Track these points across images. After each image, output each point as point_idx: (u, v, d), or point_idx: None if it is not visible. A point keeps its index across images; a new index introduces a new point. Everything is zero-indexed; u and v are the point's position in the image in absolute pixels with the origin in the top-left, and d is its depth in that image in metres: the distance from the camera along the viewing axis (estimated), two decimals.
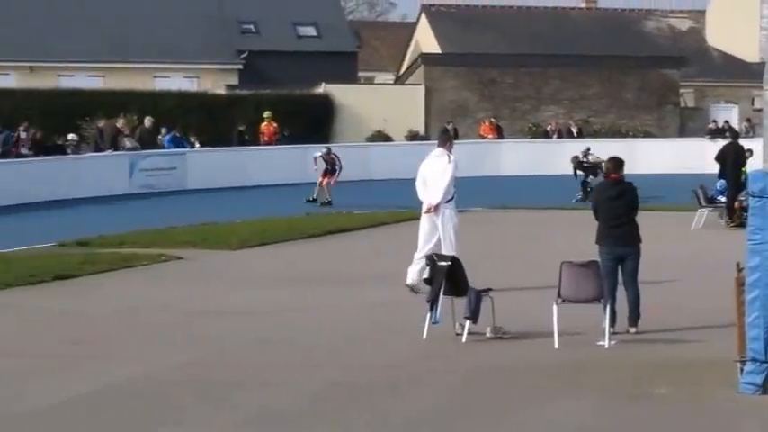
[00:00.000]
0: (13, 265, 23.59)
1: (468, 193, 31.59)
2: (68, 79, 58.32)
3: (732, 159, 33.27)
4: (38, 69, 59.54)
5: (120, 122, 45.98)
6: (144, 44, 61.01)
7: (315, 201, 34.46)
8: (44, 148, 45.63)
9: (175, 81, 59.75)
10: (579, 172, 45.11)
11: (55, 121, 47.21)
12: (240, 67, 63.65)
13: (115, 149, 43.63)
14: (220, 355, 16.35)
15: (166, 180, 43.85)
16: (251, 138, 49.96)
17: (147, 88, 55.69)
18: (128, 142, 44.61)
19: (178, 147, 47.73)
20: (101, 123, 46.06)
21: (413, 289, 20.29)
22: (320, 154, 35.07)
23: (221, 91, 58.99)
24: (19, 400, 13.38)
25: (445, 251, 19.90)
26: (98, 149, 44.42)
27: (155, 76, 59.83)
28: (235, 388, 13.89)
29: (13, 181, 39.58)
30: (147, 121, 46.82)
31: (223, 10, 65.12)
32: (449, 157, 20.39)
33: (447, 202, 20.28)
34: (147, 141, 45.71)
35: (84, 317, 19.34)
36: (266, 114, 49.69)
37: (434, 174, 20.17)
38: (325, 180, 33.44)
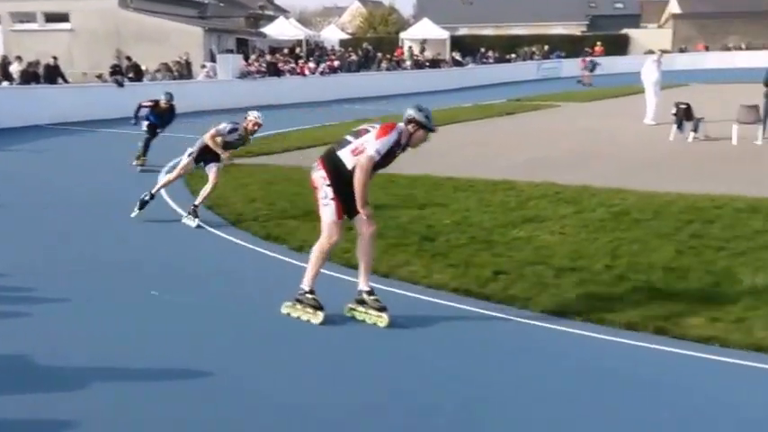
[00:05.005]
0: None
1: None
2: None
3: None
4: None
5: None
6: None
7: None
8: None
9: (558, 29, 59.60)
10: None
11: None
12: (587, 23, 64.13)
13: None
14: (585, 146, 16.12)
15: None
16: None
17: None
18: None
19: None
20: None
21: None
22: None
23: (578, 33, 59.64)
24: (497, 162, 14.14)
25: None
26: None
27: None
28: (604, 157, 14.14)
29: None
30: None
31: None
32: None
33: None
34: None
35: (518, 130, 19.84)
36: (599, 43, 49.04)
37: None
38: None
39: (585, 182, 11.33)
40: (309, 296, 5.97)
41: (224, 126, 9.51)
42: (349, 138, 5.84)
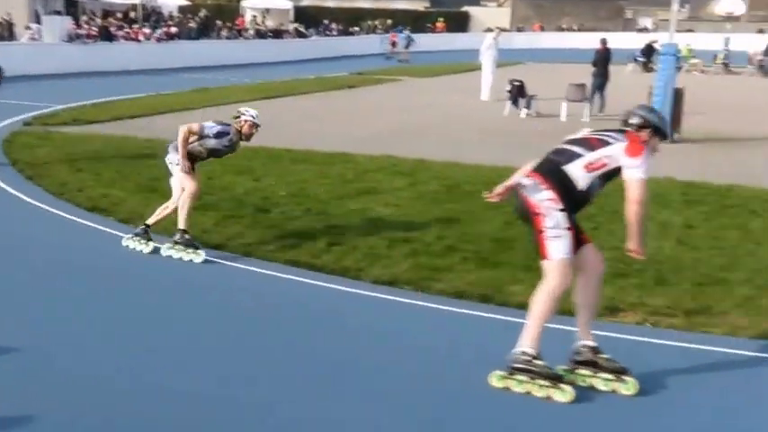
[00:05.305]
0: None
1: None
2: None
3: None
4: None
5: None
6: None
7: None
8: None
9: (402, 4, 59.03)
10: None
11: None
12: (428, 3, 62.17)
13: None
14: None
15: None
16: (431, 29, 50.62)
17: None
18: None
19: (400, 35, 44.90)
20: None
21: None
22: None
23: (421, 9, 59.74)
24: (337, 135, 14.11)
25: None
26: None
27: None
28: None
29: None
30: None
31: None
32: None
33: None
34: None
35: (360, 104, 20.19)
36: (440, 19, 52.80)
37: None
38: None
39: (422, 155, 11.64)
40: (539, 362, 4.49)
41: (210, 125, 6.97)
42: (575, 149, 4.54)
